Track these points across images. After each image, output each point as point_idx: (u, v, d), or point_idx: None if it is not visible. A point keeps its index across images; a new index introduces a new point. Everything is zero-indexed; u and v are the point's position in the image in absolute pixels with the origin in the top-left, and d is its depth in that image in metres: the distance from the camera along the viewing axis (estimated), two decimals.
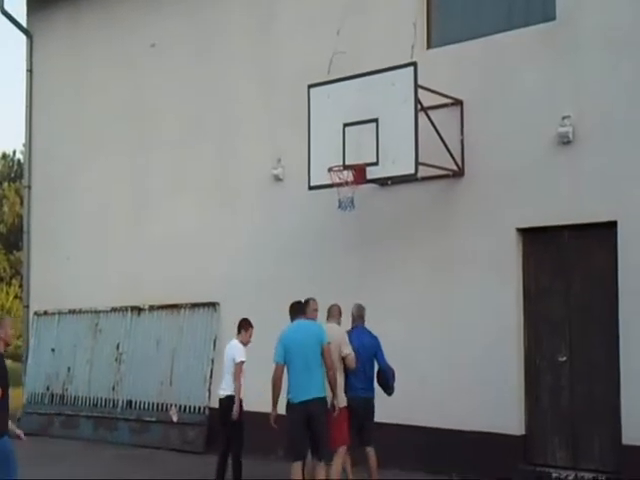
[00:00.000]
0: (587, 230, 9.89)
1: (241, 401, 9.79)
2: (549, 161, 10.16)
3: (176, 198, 14.16)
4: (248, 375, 10.60)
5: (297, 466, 8.52)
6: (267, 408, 11.92)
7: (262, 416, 11.09)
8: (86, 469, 11.79)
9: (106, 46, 15.53)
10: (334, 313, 9.52)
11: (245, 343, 10.04)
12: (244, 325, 10.16)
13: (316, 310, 9.41)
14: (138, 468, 11.79)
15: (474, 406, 10.31)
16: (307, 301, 9.38)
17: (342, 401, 8.87)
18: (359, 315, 9.66)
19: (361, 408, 9.08)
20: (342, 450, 8.90)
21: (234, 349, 9.95)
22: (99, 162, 15.48)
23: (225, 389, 9.92)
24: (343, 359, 9.00)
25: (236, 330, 10.22)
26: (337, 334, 9.09)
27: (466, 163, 10.79)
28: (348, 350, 9.01)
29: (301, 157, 11.32)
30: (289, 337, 8.82)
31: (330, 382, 8.68)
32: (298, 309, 9.13)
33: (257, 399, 11.70)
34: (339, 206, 10.67)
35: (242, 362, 9.81)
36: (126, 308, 14.64)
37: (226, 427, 9.84)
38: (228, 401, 9.79)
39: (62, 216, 16.09)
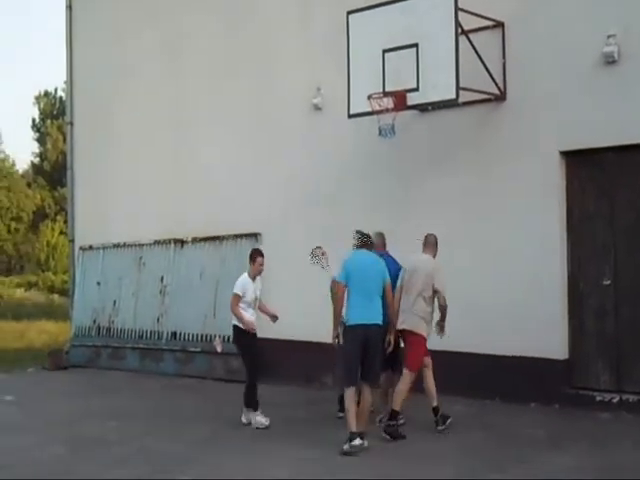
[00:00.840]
0: (632, 151, 9.70)
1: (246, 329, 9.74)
2: (593, 82, 9.95)
3: (215, 129, 14.13)
4: (285, 305, 10.75)
5: (351, 392, 8.36)
6: (303, 336, 12.18)
7: (301, 345, 11.26)
8: (134, 399, 12.01)
9: None
10: (429, 243, 9.43)
11: (254, 275, 9.84)
12: (252, 256, 9.94)
13: (384, 244, 9.74)
14: (185, 397, 12.00)
15: (518, 331, 10.28)
16: (376, 234, 9.50)
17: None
18: (381, 243, 9.67)
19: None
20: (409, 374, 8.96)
21: (237, 281, 9.89)
22: (139, 96, 15.50)
23: (233, 318, 9.92)
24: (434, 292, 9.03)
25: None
26: (426, 265, 9.13)
27: (508, 87, 10.62)
28: (440, 287, 8.99)
29: (340, 86, 11.22)
30: (353, 263, 8.66)
31: (390, 318, 8.78)
32: (365, 240, 8.88)
33: (294, 328, 11.97)
34: (379, 133, 10.59)
35: (235, 294, 9.73)
36: (169, 241, 14.74)
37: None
38: (233, 330, 9.91)
39: (104, 151, 16.17)
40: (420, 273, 9.05)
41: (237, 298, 9.72)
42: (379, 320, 8.51)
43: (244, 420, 9.80)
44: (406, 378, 8.92)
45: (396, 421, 8.84)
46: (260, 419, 9.63)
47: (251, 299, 9.79)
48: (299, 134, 12.95)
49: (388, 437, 8.72)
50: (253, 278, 9.83)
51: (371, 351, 8.40)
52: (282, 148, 13.14)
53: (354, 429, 8.21)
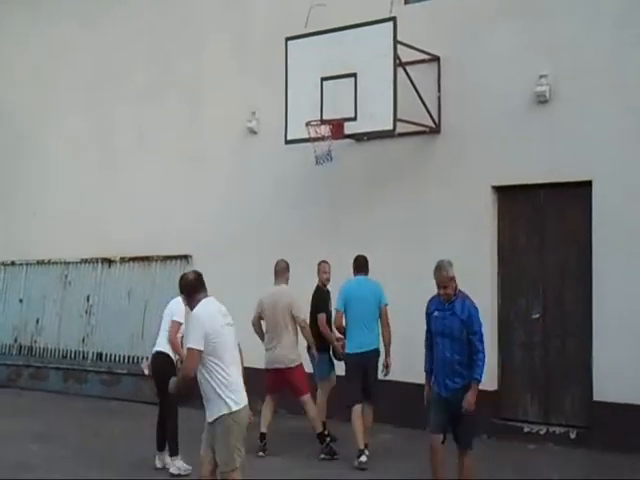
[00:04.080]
0: (562, 189, 9.96)
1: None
2: (526, 119, 10.20)
3: (146, 151, 14.00)
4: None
5: (358, 408, 9.05)
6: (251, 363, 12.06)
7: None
8: (58, 422, 11.75)
9: None
10: (281, 270, 9.81)
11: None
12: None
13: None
14: (109, 420, 11.79)
15: None
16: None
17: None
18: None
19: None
20: None
21: (176, 306, 8.90)
22: (65, 115, 15.22)
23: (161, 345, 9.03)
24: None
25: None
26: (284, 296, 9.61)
27: (443, 120, 10.81)
28: (301, 314, 9.64)
29: (276, 110, 11.26)
30: (350, 290, 9.32)
31: (385, 341, 9.34)
32: (362, 264, 9.57)
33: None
34: (316, 162, 10.62)
35: (175, 322, 8.88)
36: (96, 260, 14.52)
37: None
38: (161, 358, 8.98)
39: (28, 169, 15.81)
40: (281, 304, 9.50)
41: (178, 326, 8.82)
42: (376, 344, 9.22)
43: (159, 465, 8.97)
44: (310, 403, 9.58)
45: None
46: (183, 464, 8.75)
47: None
48: (233, 157, 12.93)
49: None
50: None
51: (370, 373, 9.16)
52: (215, 171, 13.08)
53: (362, 446, 8.93)
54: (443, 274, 7.29)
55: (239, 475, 6.30)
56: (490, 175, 10.41)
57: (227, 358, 6.28)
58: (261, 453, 9.49)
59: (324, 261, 10.25)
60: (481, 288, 10.27)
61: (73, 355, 14.49)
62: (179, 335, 8.78)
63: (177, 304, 8.78)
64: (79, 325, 14.52)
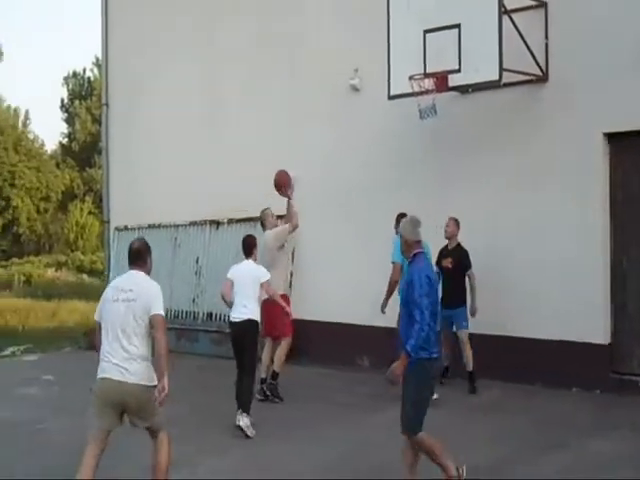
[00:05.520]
0: None
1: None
2: (637, 65, 9.79)
3: (251, 109, 14.09)
4: (331, 286, 10.71)
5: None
6: (349, 319, 12.20)
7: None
8: (172, 379, 12.01)
9: None
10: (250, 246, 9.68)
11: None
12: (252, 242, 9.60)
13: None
14: (220, 377, 12.00)
15: (558, 314, 10.22)
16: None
17: None
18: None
19: None
20: None
21: (256, 269, 9.36)
22: (173, 77, 15.49)
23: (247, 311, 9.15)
24: None
25: (246, 251, 9.53)
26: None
27: (550, 68, 10.50)
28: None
29: (378, 67, 11.14)
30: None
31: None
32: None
33: (338, 310, 12.05)
34: (420, 116, 10.51)
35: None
36: (204, 222, 14.77)
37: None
38: (252, 324, 9.13)
39: (139, 132, 16.21)
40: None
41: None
42: None
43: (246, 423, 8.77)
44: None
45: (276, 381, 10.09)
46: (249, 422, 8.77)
47: None
48: (336, 115, 12.89)
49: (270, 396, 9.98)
50: None
51: None
52: (319, 129, 13.08)
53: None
54: (404, 237, 6.61)
55: (89, 445, 6.28)
56: (601, 122, 10.09)
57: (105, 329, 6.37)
58: (258, 396, 9.77)
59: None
60: (592, 237, 10.11)
61: (184, 315, 14.84)
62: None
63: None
64: (189, 286, 14.84)
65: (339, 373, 11.65)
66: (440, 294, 9.49)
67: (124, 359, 6.26)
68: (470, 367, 10.13)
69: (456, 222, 10.41)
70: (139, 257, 6.57)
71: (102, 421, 6.32)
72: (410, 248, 6.53)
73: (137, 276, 6.48)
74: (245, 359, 8.99)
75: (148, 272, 6.58)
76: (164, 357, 6.22)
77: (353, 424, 8.92)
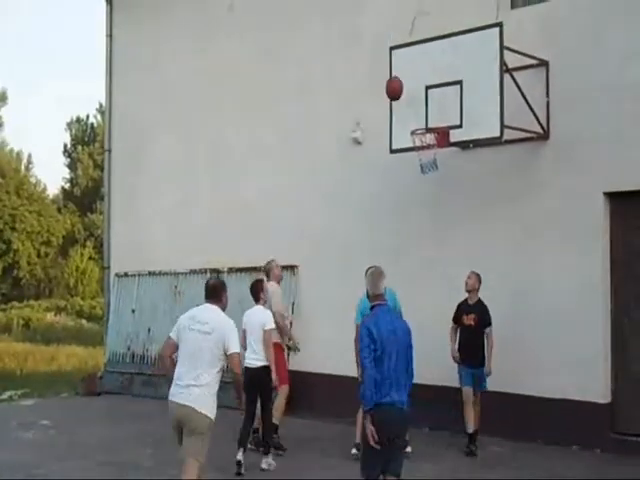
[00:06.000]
0: None
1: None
2: (639, 123, 9.90)
3: (254, 161, 14.20)
4: (327, 338, 10.69)
5: None
6: (343, 371, 12.17)
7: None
8: (167, 426, 11.94)
9: (184, 9, 15.58)
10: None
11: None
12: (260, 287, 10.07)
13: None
14: (216, 427, 11.93)
15: (558, 372, 10.21)
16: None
17: None
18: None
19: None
20: None
21: (263, 315, 9.76)
22: (176, 125, 15.61)
23: (259, 358, 9.60)
24: None
25: (254, 296, 10.01)
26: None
27: (551, 125, 10.60)
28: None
29: (380, 120, 11.25)
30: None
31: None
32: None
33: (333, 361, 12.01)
34: (421, 171, 10.58)
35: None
36: (205, 270, 14.78)
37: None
38: (263, 371, 9.57)
39: (141, 179, 16.29)
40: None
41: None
42: None
43: (266, 466, 9.41)
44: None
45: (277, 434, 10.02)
46: (271, 460, 9.47)
47: None
48: (338, 167, 12.98)
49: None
50: None
51: None
52: (320, 181, 13.16)
53: None
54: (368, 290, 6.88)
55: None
56: (602, 181, 10.16)
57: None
58: (249, 446, 9.67)
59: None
60: (594, 296, 10.10)
61: None
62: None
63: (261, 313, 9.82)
64: None
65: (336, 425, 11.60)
66: (458, 351, 9.81)
67: (191, 385, 6.87)
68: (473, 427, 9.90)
69: (478, 276, 10.11)
70: (214, 294, 7.29)
71: (178, 439, 7.06)
72: (372, 300, 6.79)
73: (213, 310, 7.15)
74: (262, 401, 9.60)
75: (223, 308, 7.27)
76: (241, 392, 7.30)
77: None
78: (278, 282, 10.93)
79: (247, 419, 9.40)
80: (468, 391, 9.81)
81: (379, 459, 6.48)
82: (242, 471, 9.12)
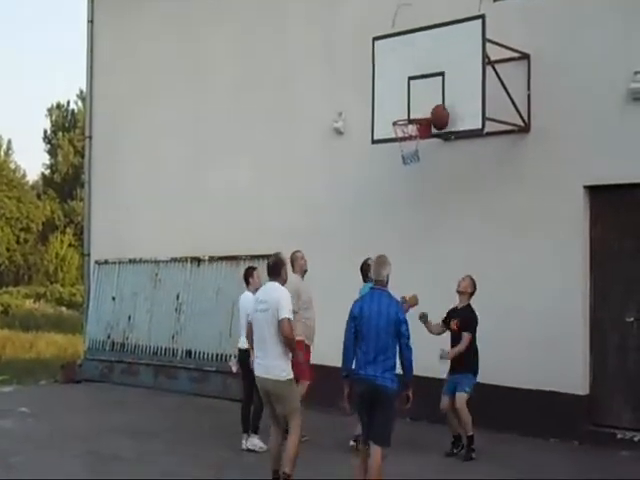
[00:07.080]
0: None
1: None
2: (620, 117, 9.97)
3: (235, 150, 14.16)
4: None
5: None
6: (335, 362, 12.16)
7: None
8: (151, 417, 12.00)
9: None
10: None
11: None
12: (249, 273, 10.11)
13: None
14: (198, 416, 11.98)
15: (537, 364, 10.26)
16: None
17: None
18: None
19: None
20: None
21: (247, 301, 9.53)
22: (157, 112, 15.53)
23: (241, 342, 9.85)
24: None
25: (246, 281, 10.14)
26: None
27: (532, 118, 10.63)
28: None
29: (362, 111, 11.28)
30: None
31: None
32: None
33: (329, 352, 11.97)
34: (403, 162, 10.61)
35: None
36: (186, 259, 14.78)
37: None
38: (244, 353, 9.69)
39: (122, 166, 16.22)
40: None
41: None
42: None
43: (251, 446, 9.69)
44: None
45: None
46: (259, 441, 9.64)
47: None
48: (319, 158, 12.98)
49: None
50: None
51: None
52: (302, 171, 13.17)
53: None
54: None
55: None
56: (582, 175, 10.21)
57: None
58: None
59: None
60: (573, 291, 10.17)
61: (163, 352, 14.76)
62: None
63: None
64: (169, 322, 14.78)
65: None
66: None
67: (265, 359, 7.69)
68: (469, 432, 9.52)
69: (472, 280, 9.74)
70: (275, 270, 7.90)
71: (267, 408, 8.04)
72: (375, 284, 7.63)
73: (271, 287, 7.81)
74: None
75: (283, 282, 7.89)
76: (295, 351, 7.87)
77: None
78: (302, 274, 10.48)
79: (246, 403, 9.76)
80: (444, 400, 9.53)
81: (362, 420, 7.47)
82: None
